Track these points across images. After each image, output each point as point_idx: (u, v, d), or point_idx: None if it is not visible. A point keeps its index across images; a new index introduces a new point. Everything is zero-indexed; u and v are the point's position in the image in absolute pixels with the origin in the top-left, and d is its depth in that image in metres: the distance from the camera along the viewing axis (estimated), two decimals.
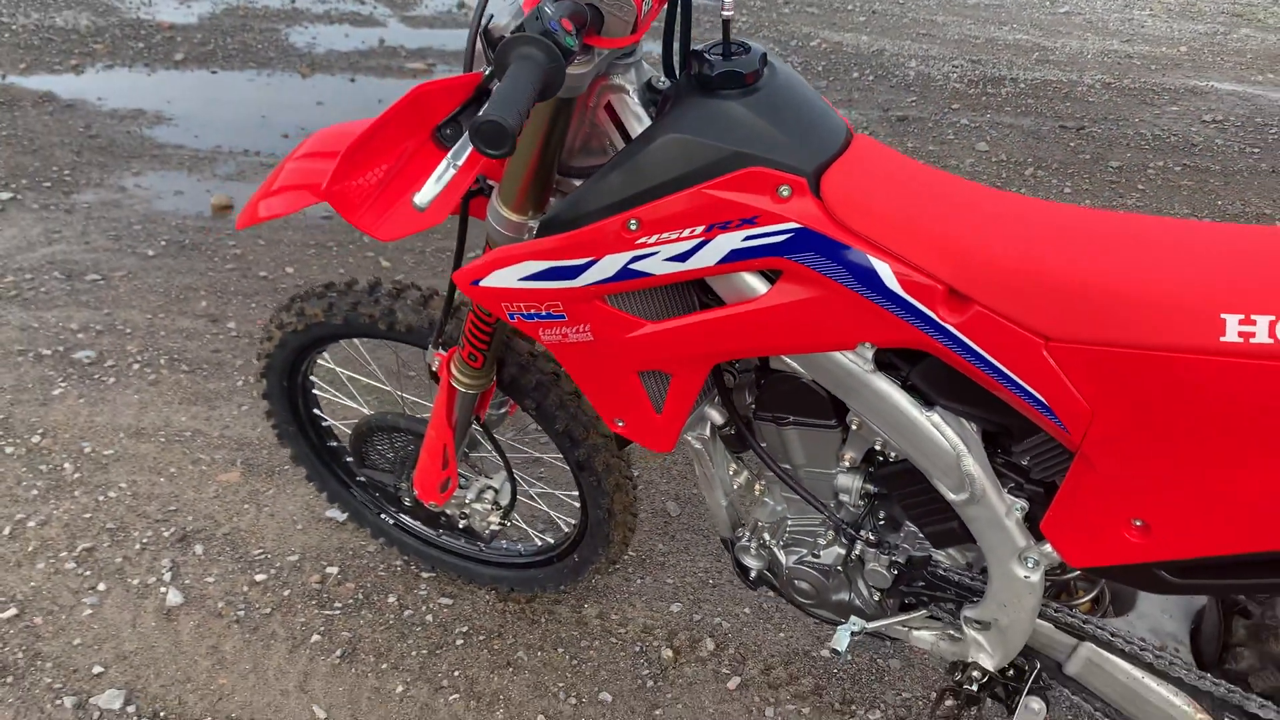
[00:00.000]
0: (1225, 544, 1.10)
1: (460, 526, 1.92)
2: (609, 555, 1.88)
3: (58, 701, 1.79)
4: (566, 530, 1.98)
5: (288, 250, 3.41)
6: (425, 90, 1.08)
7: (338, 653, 1.91)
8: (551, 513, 2.06)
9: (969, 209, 1.16)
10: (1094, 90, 5.72)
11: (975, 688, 1.40)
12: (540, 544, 2.04)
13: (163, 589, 2.03)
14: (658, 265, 1.19)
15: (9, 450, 2.38)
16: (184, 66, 5.35)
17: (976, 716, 1.42)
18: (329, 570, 2.10)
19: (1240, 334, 0.99)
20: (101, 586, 2.03)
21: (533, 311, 1.28)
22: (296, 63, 5.49)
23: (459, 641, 1.96)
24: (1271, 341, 0.98)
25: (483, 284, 1.28)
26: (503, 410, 1.83)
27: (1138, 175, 4.46)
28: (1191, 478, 1.08)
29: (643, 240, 1.18)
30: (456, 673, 1.89)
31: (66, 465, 2.34)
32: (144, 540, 2.15)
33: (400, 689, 1.85)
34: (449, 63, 5.66)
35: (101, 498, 2.25)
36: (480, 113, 0.90)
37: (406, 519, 2.06)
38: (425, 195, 0.98)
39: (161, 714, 1.78)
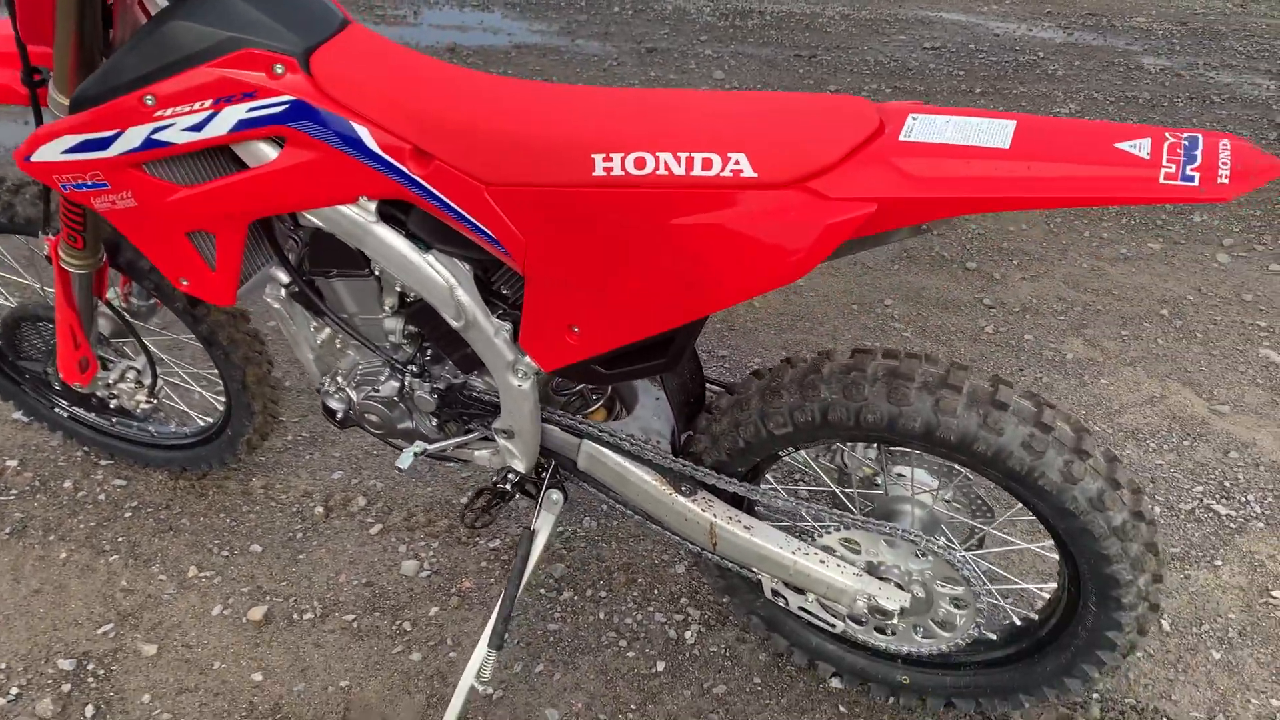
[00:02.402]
0: (629, 334, 1.40)
1: (113, 407, 2.11)
2: (256, 426, 2.10)
3: None
4: (220, 408, 2.19)
5: None
6: None
7: (6, 530, 2.09)
8: (205, 393, 2.26)
9: (435, 83, 1.42)
10: (833, 21, 6.12)
11: (509, 486, 1.69)
12: (202, 425, 2.25)
13: None
14: (177, 135, 1.41)
15: None
16: None
17: (507, 510, 1.71)
18: (9, 463, 2.26)
19: (604, 169, 1.28)
20: None
21: (80, 182, 1.48)
22: None
23: (127, 514, 2.16)
24: (622, 173, 1.27)
25: (32, 159, 1.48)
26: (152, 300, 2.02)
27: None
28: (598, 286, 1.37)
29: (160, 114, 1.40)
30: (120, 539, 2.09)
31: None
32: None
33: (64, 555, 2.05)
34: None
35: None
36: None
37: (81, 411, 2.23)
38: None
39: None
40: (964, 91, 4.98)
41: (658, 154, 1.27)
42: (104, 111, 1.41)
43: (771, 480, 1.75)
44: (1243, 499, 2.33)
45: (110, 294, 1.94)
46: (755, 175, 1.23)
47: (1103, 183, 1.12)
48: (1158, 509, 2.29)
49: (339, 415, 1.79)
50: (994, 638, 1.74)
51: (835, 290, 3.15)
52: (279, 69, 1.37)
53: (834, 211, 1.20)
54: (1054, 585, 1.69)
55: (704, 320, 1.43)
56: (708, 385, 1.73)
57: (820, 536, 1.60)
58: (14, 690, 1.77)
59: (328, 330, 1.79)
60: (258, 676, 1.82)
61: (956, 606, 1.59)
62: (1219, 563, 2.14)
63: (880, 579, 1.59)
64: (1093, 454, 1.41)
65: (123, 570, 2.02)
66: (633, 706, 1.80)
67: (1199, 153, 1.12)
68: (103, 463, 2.29)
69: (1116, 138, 1.17)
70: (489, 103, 1.38)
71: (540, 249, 1.37)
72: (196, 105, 1.39)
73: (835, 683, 1.85)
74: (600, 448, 1.63)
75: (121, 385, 2.01)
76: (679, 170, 1.26)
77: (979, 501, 1.63)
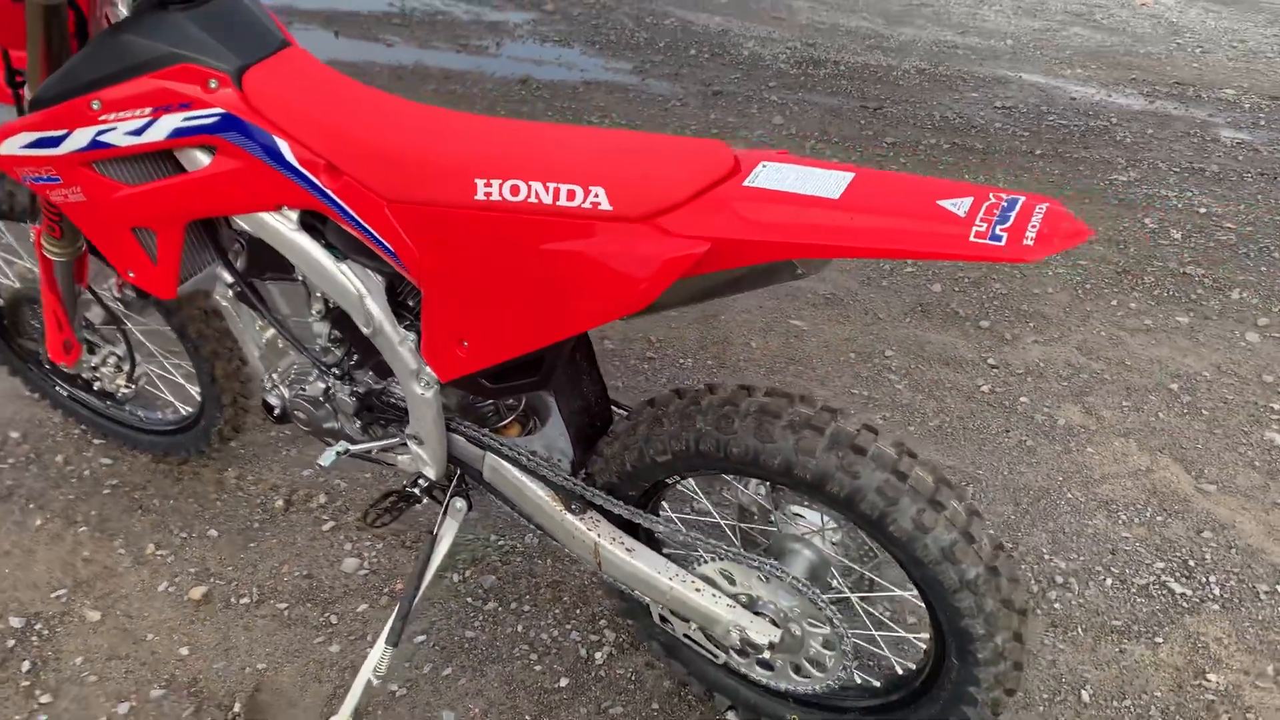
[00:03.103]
0: (508, 350, 1.47)
1: (96, 389, 2.26)
2: (226, 419, 2.23)
3: None
4: (198, 399, 2.33)
5: None
6: None
7: None
8: (186, 385, 2.40)
9: (351, 104, 1.53)
10: (908, 75, 6.13)
11: (417, 490, 1.77)
12: (183, 414, 2.39)
13: None
14: (119, 138, 1.55)
15: None
16: None
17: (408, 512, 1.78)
18: (12, 434, 2.44)
19: (485, 193, 1.37)
20: None
21: (38, 175, 1.63)
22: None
23: (105, 491, 2.31)
24: (500, 199, 1.35)
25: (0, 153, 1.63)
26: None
27: (906, 150, 4.86)
28: (481, 303, 1.45)
29: (105, 117, 1.54)
30: (94, 513, 2.24)
31: None
32: None
33: (39, 523, 2.20)
34: (304, 21, 5.95)
35: None
36: None
37: (78, 392, 2.40)
38: None
39: None
40: (1024, 152, 4.94)
41: (530, 182, 1.35)
42: (56, 112, 1.55)
43: (666, 508, 1.79)
44: (1204, 579, 2.27)
45: (106, 284, 2.09)
46: (611, 209, 1.30)
47: (915, 237, 1.16)
48: (1109, 581, 2.25)
49: (276, 411, 1.90)
50: (877, 684, 1.74)
51: (837, 338, 3.17)
52: (213, 84, 1.49)
53: (672, 248, 1.26)
54: (927, 635, 1.69)
55: (572, 341, 1.49)
56: (615, 409, 1.78)
57: (699, 565, 1.64)
58: None
59: (271, 330, 1.90)
60: (184, 651, 1.93)
61: (826, 647, 1.61)
62: (1159, 640, 2.10)
63: (755, 613, 1.62)
64: (948, 505, 1.42)
65: (88, 541, 2.16)
66: (527, 717, 1.85)
67: (1014, 214, 1.15)
68: (95, 442, 2.45)
69: (941, 195, 1.21)
70: (394, 125, 1.48)
71: (431, 265, 1.46)
72: (137, 112, 1.52)
73: (731, 716, 1.87)
74: (501, 461, 1.70)
75: (103, 369, 2.17)
76: (547, 199, 1.33)
77: (865, 546, 1.65)
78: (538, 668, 1.94)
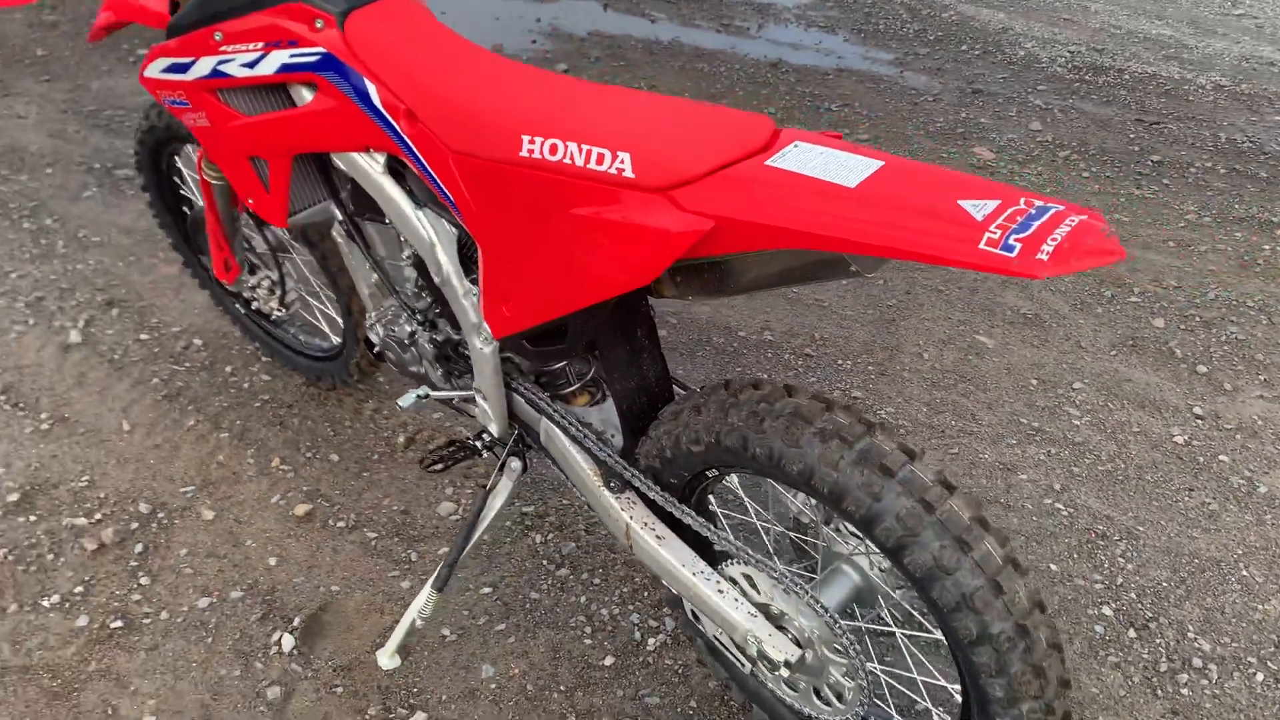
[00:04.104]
0: (541, 313, 1.45)
1: (253, 308, 2.43)
2: (362, 352, 2.34)
3: None
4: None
5: None
6: None
7: (163, 392, 2.48)
8: (337, 316, 2.53)
9: (441, 55, 1.55)
10: (1201, 91, 5.55)
11: (479, 444, 1.79)
12: (333, 343, 2.53)
13: (72, 332, 2.66)
14: (236, 69, 1.64)
15: (26, 225, 3.09)
16: None
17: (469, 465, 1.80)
18: (195, 342, 2.68)
19: (529, 149, 1.35)
20: (32, 322, 2.68)
21: (173, 99, 1.76)
22: None
23: (256, 404, 2.48)
24: (540, 157, 1.33)
25: (145, 75, 1.77)
26: None
27: (1173, 171, 4.41)
28: (521, 261, 1.44)
29: (224, 49, 1.64)
30: (239, 422, 2.42)
31: (60, 242, 3.03)
32: (81, 299, 2.79)
33: (191, 422, 2.40)
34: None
35: (69, 267, 2.92)
36: None
37: (250, 311, 2.59)
38: None
39: (20, 404, 2.41)
40: None
41: (568, 143, 1.31)
42: (186, 40, 1.66)
43: (713, 503, 1.71)
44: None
45: None
46: (633, 176, 1.25)
47: (920, 237, 1.04)
48: (1260, 676, 1.95)
49: (375, 348, 1.97)
50: None
51: (1024, 361, 2.93)
52: (319, 24, 1.56)
53: (678, 223, 1.20)
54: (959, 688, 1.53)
55: (603, 312, 1.45)
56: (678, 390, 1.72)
57: (729, 567, 1.56)
58: (98, 515, 2.12)
59: (376, 271, 1.97)
60: (273, 561, 2.05)
61: (846, 677, 1.49)
62: None
63: (778, 627, 1.52)
64: (979, 548, 1.28)
65: (226, 447, 2.34)
66: (563, 688, 1.84)
67: (1037, 223, 1.01)
68: (263, 359, 2.64)
69: (967, 195, 1.07)
70: (467, 77, 1.48)
71: (483, 219, 1.46)
72: (251, 46, 1.61)
73: None
74: (553, 426, 1.68)
75: (259, 291, 2.32)
76: (580, 161, 1.30)
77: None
78: (588, 641, 1.92)
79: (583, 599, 2.01)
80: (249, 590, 1.98)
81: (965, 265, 1.01)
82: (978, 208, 1.05)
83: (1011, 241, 0.99)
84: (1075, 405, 2.75)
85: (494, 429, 1.77)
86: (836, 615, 1.43)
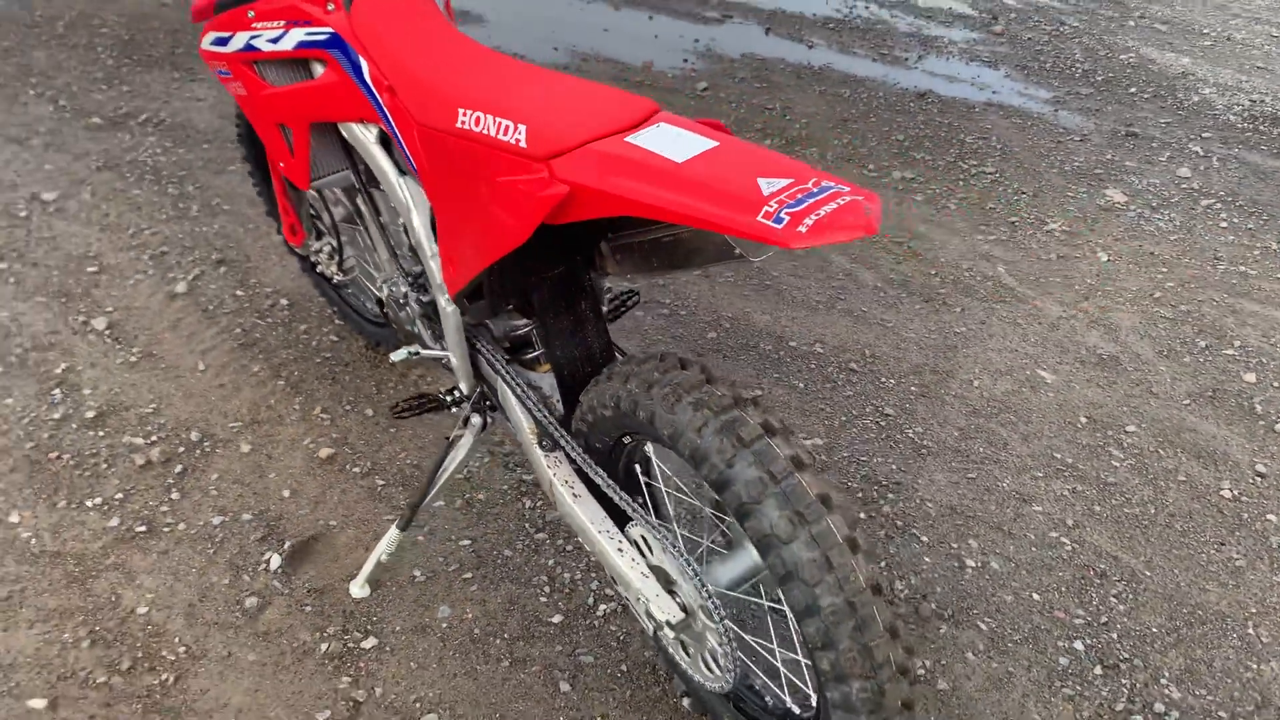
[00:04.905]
0: (470, 269, 1.59)
1: (318, 271, 2.66)
2: None
3: (76, 318, 2.79)
4: None
5: None
6: None
7: (241, 341, 2.76)
8: None
9: (428, 39, 1.72)
10: None
11: (447, 398, 1.94)
12: None
13: (180, 283, 2.99)
14: (263, 44, 1.87)
15: (170, 190, 3.48)
16: None
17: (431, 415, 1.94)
18: (282, 301, 2.96)
19: (461, 121, 1.51)
20: (150, 272, 3.03)
21: (220, 69, 2.00)
22: None
23: (318, 360, 2.73)
24: (467, 128, 1.48)
25: (201, 47, 2.02)
26: None
27: None
28: (459, 221, 1.59)
29: (256, 25, 1.87)
30: (296, 374, 2.67)
31: (195, 207, 3.39)
32: (198, 256, 3.13)
33: (256, 369, 2.66)
34: (744, 16, 6.27)
35: (195, 229, 3.27)
36: None
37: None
38: None
39: (120, 338, 2.73)
40: None
41: (486, 115, 1.46)
42: (227, 17, 1.90)
43: (657, 476, 1.79)
44: None
45: None
46: (525, 146, 1.38)
47: (710, 209, 1.13)
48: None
49: (384, 308, 2.15)
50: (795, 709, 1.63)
51: (1082, 400, 2.85)
52: (330, 7, 1.76)
53: (541, 187, 1.32)
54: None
55: (494, 269, 1.57)
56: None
57: (632, 528, 1.64)
58: (154, 438, 2.40)
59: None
60: (286, 493, 2.27)
61: (718, 642, 1.55)
62: None
63: (666, 589, 1.59)
64: (819, 524, 1.32)
65: (279, 393, 2.58)
66: (506, 635, 1.96)
67: (811, 200, 1.09)
68: (337, 321, 2.89)
69: (768, 173, 1.16)
70: (437, 57, 1.65)
71: (435, 184, 1.62)
72: (275, 24, 1.83)
73: (685, 703, 1.84)
74: (504, 386, 1.81)
75: (321, 255, 2.56)
76: (493, 132, 1.44)
77: None
78: (543, 599, 2.04)
79: (550, 562, 2.12)
80: (258, 515, 2.20)
81: (740, 234, 1.09)
82: (770, 184, 1.13)
83: (783, 215, 1.07)
84: (1121, 448, 2.67)
85: (463, 386, 1.92)
86: (705, 581, 1.49)
